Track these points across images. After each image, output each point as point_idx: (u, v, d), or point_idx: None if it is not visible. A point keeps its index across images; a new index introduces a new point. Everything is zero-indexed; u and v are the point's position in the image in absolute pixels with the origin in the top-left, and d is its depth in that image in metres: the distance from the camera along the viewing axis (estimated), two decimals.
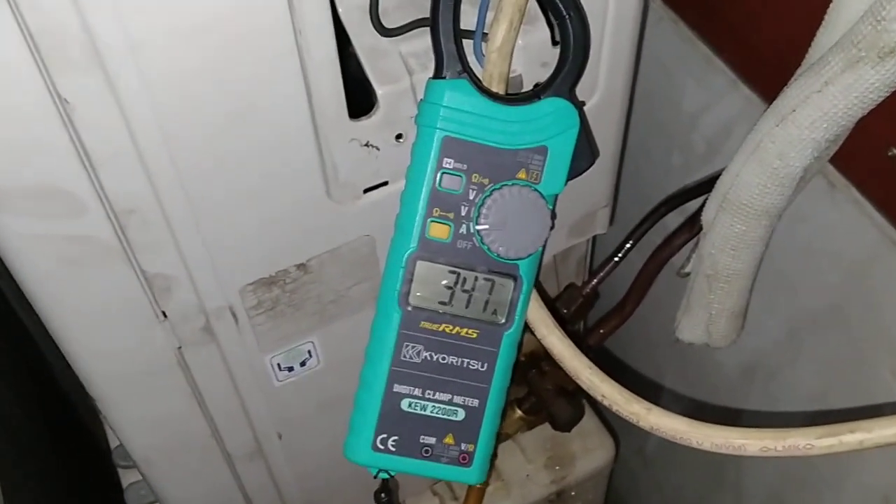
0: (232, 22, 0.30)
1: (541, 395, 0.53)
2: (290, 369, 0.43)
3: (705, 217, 0.45)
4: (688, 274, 0.49)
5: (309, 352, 0.43)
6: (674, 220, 0.50)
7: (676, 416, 0.32)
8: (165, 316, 0.37)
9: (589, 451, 0.60)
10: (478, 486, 0.52)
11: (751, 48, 0.51)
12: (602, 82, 0.39)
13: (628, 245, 0.48)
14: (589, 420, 0.60)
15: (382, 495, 0.40)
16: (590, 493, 0.61)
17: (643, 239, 0.50)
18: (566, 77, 0.34)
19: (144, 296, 0.36)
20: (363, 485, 0.53)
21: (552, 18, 0.35)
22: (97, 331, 0.36)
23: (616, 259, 0.48)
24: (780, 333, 0.58)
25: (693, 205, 0.50)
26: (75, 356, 0.37)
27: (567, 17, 0.33)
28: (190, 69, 0.30)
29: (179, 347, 0.38)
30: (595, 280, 0.49)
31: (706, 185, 0.46)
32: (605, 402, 0.34)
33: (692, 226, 0.47)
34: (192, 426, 0.43)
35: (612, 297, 0.54)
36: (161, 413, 0.41)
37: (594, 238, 0.53)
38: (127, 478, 0.59)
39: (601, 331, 0.51)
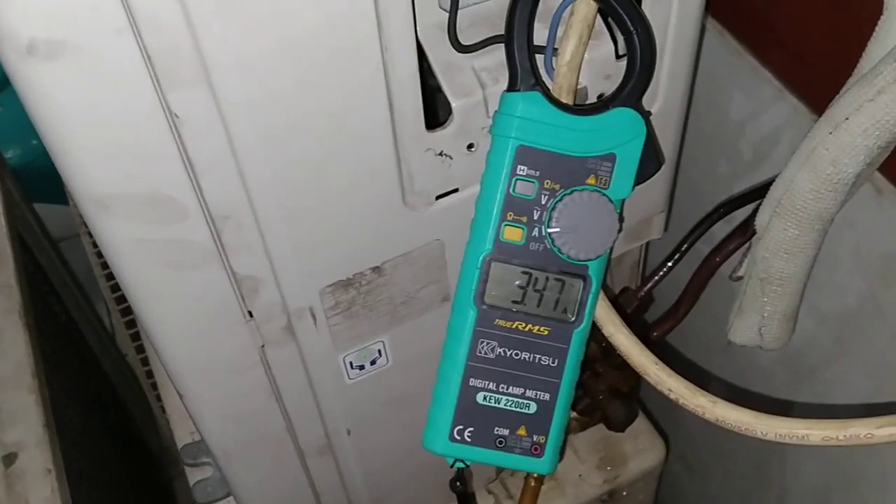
0: (325, 40, 0.32)
1: (595, 396, 0.55)
2: (361, 368, 0.45)
3: (759, 221, 0.46)
4: (740, 277, 0.50)
5: (379, 351, 0.45)
6: (718, 227, 0.52)
7: (741, 409, 0.34)
8: (252, 316, 0.39)
9: (640, 451, 0.61)
10: (532, 485, 0.54)
11: (797, 57, 0.52)
12: (662, 92, 0.41)
13: (683, 248, 0.49)
14: (640, 421, 0.62)
15: (457, 483, 0.41)
16: (640, 493, 0.62)
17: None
18: (633, 88, 0.36)
19: (234, 296, 0.38)
20: (425, 482, 0.55)
21: (618, 33, 0.37)
22: (190, 330, 0.39)
23: (671, 263, 0.49)
24: (827, 337, 0.59)
25: (740, 211, 0.52)
26: (167, 354, 0.39)
27: (634, 32, 0.35)
28: (286, 84, 0.32)
29: (263, 346, 0.41)
30: (650, 284, 0.50)
31: (758, 192, 0.48)
32: (672, 396, 0.36)
33: (745, 230, 0.49)
34: (270, 421, 0.45)
35: (660, 300, 0.56)
36: (242, 408, 0.44)
37: (647, 243, 0.55)
38: (194, 476, 0.61)
39: (654, 334, 0.52)
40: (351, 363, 0.45)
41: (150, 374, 0.87)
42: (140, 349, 0.89)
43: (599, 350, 0.52)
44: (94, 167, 0.31)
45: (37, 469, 0.62)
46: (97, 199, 0.32)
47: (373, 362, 0.45)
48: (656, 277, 0.50)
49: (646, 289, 0.51)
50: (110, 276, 0.82)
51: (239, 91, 0.32)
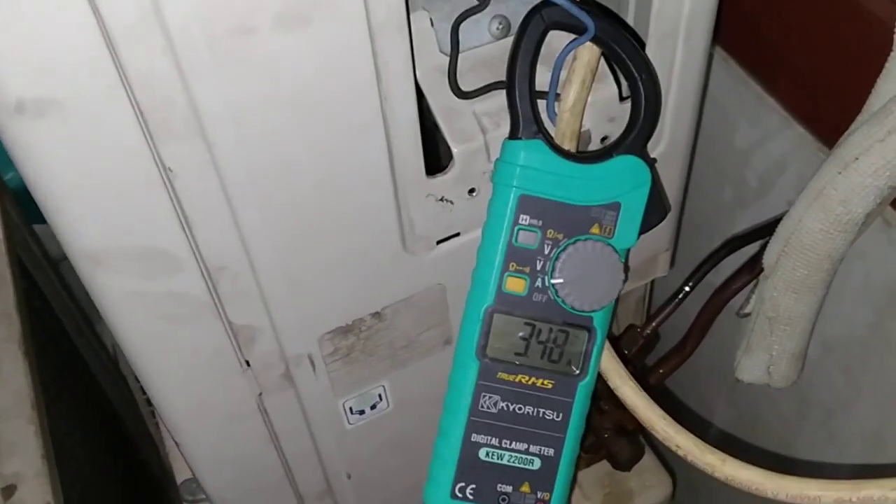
0: (323, 91, 0.31)
1: (600, 434, 0.54)
2: (362, 412, 0.44)
3: (767, 260, 0.45)
4: (748, 314, 0.50)
5: (379, 395, 0.44)
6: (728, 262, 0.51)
7: (751, 468, 0.33)
8: (248, 365, 0.39)
9: (646, 487, 0.60)
10: None
11: (803, 86, 0.51)
12: (667, 133, 0.41)
13: (687, 288, 0.48)
14: (646, 457, 0.61)
15: None
16: None
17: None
18: (638, 135, 0.35)
19: (230, 346, 0.37)
20: None
21: (623, 78, 0.36)
22: (186, 381, 0.38)
23: (676, 301, 0.49)
24: (835, 367, 0.58)
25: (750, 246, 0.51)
26: (163, 404, 0.39)
27: (639, 78, 0.34)
28: (283, 135, 0.32)
29: (260, 394, 0.40)
30: (655, 322, 0.49)
31: (766, 229, 0.47)
32: (680, 453, 0.35)
33: (752, 267, 0.48)
34: (268, 468, 0.44)
35: (668, 333, 0.55)
36: (240, 456, 0.43)
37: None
38: None
39: (661, 370, 0.51)
40: (351, 408, 0.44)
41: (151, 403, 0.86)
42: None
43: (605, 387, 0.51)
44: (86, 223, 0.31)
45: (35, 501, 0.62)
46: (90, 254, 0.32)
47: (373, 406, 0.44)
48: (661, 316, 0.49)
49: (651, 327, 0.50)
50: None
51: (235, 143, 0.31)
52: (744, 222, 0.61)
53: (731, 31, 0.55)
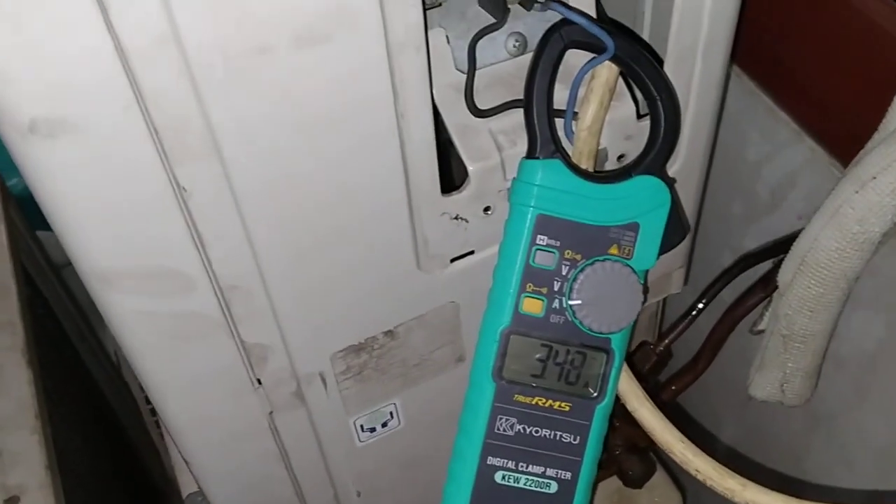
0: (338, 108, 0.31)
1: (611, 450, 0.53)
2: (373, 430, 0.44)
3: (782, 278, 0.45)
4: (761, 331, 0.49)
5: (391, 413, 0.44)
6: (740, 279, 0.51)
7: (772, 493, 0.33)
8: (260, 383, 0.38)
9: None
10: None
11: (815, 100, 0.51)
12: (684, 151, 0.40)
13: (701, 305, 0.48)
14: (657, 473, 0.60)
15: None
16: None
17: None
18: (657, 155, 0.34)
19: (242, 365, 0.37)
20: None
21: (641, 96, 0.35)
22: (196, 399, 0.37)
23: (689, 318, 0.48)
24: (846, 382, 0.58)
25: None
26: (172, 423, 0.38)
27: (658, 98, 0.34)
28: (298, 153, 0.31)
29: (271, 412, 0.40)
30: (668, 339, 0.49)
31: (780, 246, 0.46)
32: (699, 477, 0.34)
33: (766, 285, 0.47)
34: (278, 486, 0.44)
35: (681, 349, 0.55)
36: (250, 475, 0.42)
37: None
38: None
39: (673, 387, 0.51)
40: (362, 426, 0.43)
41: (154, 412, 0.85)
42: None
43: (616, 404, 0.51)
44: (98, 243, 0.30)
45: None
46: (101, 274, 0.31)
47: (384, 424, 0.44)
48: (674, 333, 0.49)
49: (664, 344, 0.49)
50: None
51: (250, 161, 0.31)
52: (754, 235, 0.61)
53: (743, 45, 0.54)
